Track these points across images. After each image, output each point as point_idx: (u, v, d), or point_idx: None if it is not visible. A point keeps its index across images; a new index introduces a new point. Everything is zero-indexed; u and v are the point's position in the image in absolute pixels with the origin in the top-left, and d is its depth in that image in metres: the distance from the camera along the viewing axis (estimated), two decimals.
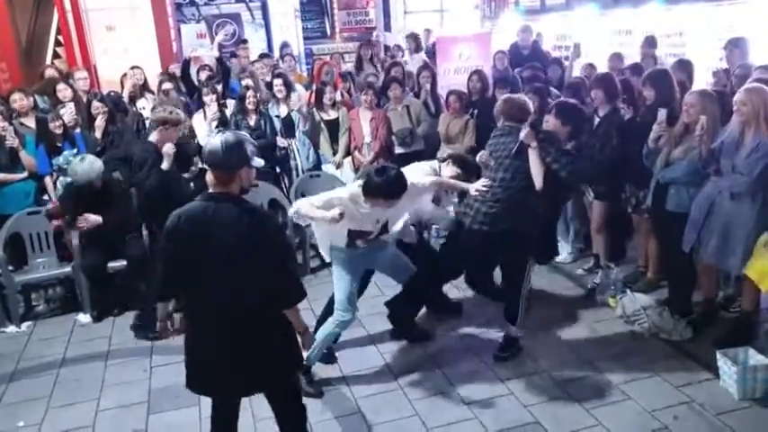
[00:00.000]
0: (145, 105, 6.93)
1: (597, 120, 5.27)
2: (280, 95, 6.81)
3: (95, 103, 6.12)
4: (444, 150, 6.74)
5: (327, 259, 4.24)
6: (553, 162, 4.14)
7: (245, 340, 2.89)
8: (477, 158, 4.43)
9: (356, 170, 6.60)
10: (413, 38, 9.53)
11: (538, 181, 4.13)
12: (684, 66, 6.10)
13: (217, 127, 6.46)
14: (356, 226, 3.99)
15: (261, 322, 2.91)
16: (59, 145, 5.74)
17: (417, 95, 7.41)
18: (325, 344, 4.23)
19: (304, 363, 3.90)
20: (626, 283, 5.17)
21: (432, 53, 9.24)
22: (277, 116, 6.75)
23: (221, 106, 6.66)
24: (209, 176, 3.04)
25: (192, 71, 7.79)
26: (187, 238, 2.84)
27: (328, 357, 4.50)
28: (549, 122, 4.46)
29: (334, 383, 4.30)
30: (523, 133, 4.16)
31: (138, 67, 7.49)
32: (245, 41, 9.92)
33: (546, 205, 4.29)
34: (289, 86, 6.93)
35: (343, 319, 4.16)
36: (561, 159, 4.15)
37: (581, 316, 5.00)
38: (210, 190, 2.96)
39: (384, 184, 3.76)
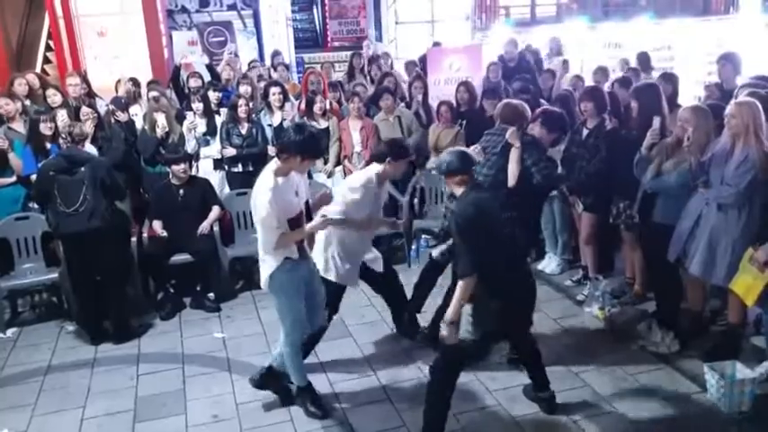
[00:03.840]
0: (137, 112, 6.91)
1: (586, 131, 5.30)
2: (277, 104, 6.80)
3: (84, 109, 6.10)
4: (434, 161, 6.77)
5: (266, 287, 3.86)
6: (532, 165, 4.34)
7: None
8: (470, 151, 4.46)
9: None
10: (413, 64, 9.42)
11: (512, 179, 4.35)
12: (669, 79, 6.15)
13: (205, 135, 6.46)
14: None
15: None
16: (48, 147, 5.70)
17: (409, 106, 7.43)
18: (297, 366, 4.05)
19: (298, 385, 4.07)
20: (614, 295, 5.20)
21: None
22: (269, 125, 6.74)
23: (213, 114, 6.62)
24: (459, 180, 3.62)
25: (183, 78, 7.78)
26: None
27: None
28: (535, 130, 4.57)
29: (321, 393, 4.26)
30: (509, 133, 4.39)
31: (132, 79, 7.49)
32: (254, 62, 9.98)
33: (523, 203, 4.31)
34: (285, 95, 6.94)
35: (292, 338, 3.93)
36: (540, 164, 4.35)
37: (569, 327, 5.01)
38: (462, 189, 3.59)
39: (300, 142, 3.65)
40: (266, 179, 3.69)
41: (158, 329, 5.33)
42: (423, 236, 6.50)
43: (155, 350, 5.01)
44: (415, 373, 4.46)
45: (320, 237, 4.27)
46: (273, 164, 3.74)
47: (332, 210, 4.11)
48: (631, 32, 11.72)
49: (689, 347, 4.50)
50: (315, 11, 15.66)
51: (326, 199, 4.16)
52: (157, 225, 5.63)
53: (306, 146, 3.65)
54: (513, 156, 4.35)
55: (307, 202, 3.94)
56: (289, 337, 3.94)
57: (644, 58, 8.33)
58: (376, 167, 4.33)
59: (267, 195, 3.60)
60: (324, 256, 4.31)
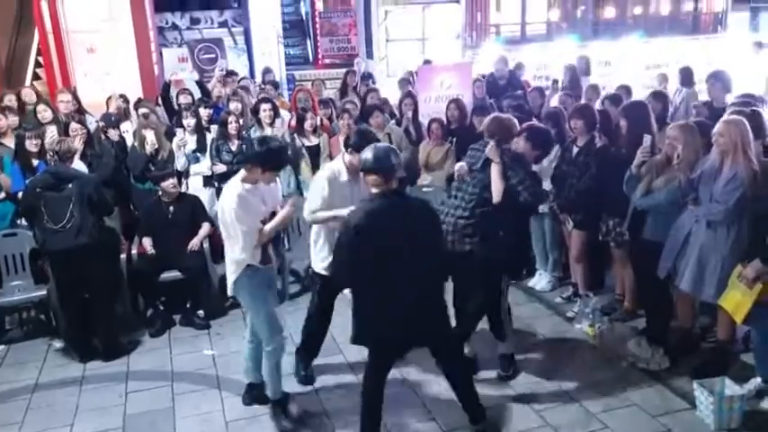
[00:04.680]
0: (128, 129, 6.95)
1: (576, 149, 5.37)
2: (267, 121, 6.85)
3: (73, 125, 6.12)
4: (425, 178, 6.83)
5: (231, 292, 4.05)
6: (518, 184, 4.25)
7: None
8: (456, 171, 4.50)
9: None
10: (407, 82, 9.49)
11: (496, 195, 4.26)
12: (659, 97, 6.26)
13: (194, 152, 6.49)
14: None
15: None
16: (35, 164, 5.72)
17: (399, 123, 7.50)
18: (275, 377, 4.14)
19: (272, 398, 4.11)
20: (604, 312, 5.25)
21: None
22: None
23: (203, 130, 6.66)
24: (372, 180, 3.55)
25: (172, 94, 7.83)
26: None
27: (306, 379, 4.59)
28: (519, 145, 4.51)
29: (312, 411, 4.28)
30: (488, 148, 4.32)
31: (122, 96, 7.52)
32: (233, 73, 10.02)
33: (510, 220, 4.33)
34: (276, 111, 6.99)
35: (274, 347, 4.06)
36: (526, 181, 4.27)
37: (559, 344, 5.05)
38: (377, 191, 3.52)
39: (262, 154, 3.83)
40: (233, 186, 3.91)
41: (147, 347, 5.32)
42: None
43: (144, 368, 5.00)
44: (406, 389, 4.47)
45: (312, 232, 4.45)
46: (241, 173, 3.93)
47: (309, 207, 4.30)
48: (621, 51, 11.92)
49: (679, 364, 4.54)
50: (306, 28, 15.80)
51: (292, 211, 4.12)
52: (147, 242, 5.65)
53: (267, 158, 3.84)
54: (495, 171, 4.27)
55: (274, 213, 4.04)
56: (269, 347, 4.05)
57: (686, 73, 8.33)
58: (342, 159, 4.40)
59: (234, 200, 3.80)
60: (315, 251, 4.45)
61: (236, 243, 3.86)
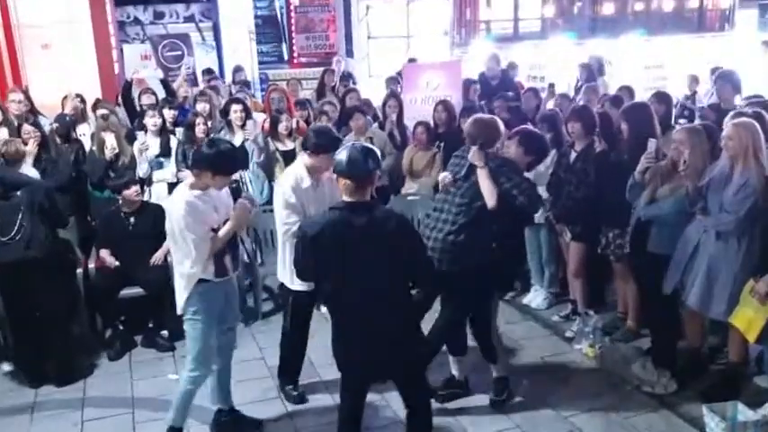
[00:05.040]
0: (85, 131, 6.87)
1: (574, 154, 5.38)
2: (238, 123, 6.80)
3: (26, 127, 6.03)
4: (410, 186, 6.81)
5: (181, 310, 3.97)
6: (513, 187, 4.17)
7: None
8: (440, 181, 4.44)
9: None
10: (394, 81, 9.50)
11: (490, 200, 4.15)
12: (662, 98, 6.27)
13: (158, 157, 6.43)
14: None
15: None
16: None
17: (382, 126, 7.48)
18: (182, 404, 4.07)
19: (170, 424, 4.06)
20: (605, 332, 5.25)
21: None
22: None
23: (168, 133, 6.61)
24: (343, 185, 3.40)
25: (134, 94, 7.78)
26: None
27: (299, 399, 4.63)
28: (511, 150, 4.46)
29: None
30: (471, 152, 4.25)
31: (78, 95, 7.46)
32: (210, 72, 10.02)
33: (505, 230, 4.30)
34: (248, 113, 6.95)
35: (198, 374, 4.02)
36: (522, 184, 4.21)
37: (557, 367, 5.04)
38: (348, 199, 3.36)
39: (212, 157, 3.79)
40: (180, 192, 3.88)
41: (106, 370, 5.23)
42: None
43: (102, 393, 4.92)
44: (391, 416, 4.42)
45: (279, 243, 4.47)
46: (189, 178, 3.89)
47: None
48: (621, 50, 12.02)
49: (687, 387, 4.54)
50: (280, 24, 15.79)
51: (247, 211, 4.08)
52: (105, 254, 5.57)
53: (217, 162, 3.81)
54: (482, 175, 4.17)
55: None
56: (193, 372, 4.00)
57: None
58: (302, 163, 4.40)
59: (182, 207, 3.76)
60: (282, 264, 4.45)
61: (187, 255, 3.80)
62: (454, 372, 4.65)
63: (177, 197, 3.87)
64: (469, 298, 4.34)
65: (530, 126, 5.22)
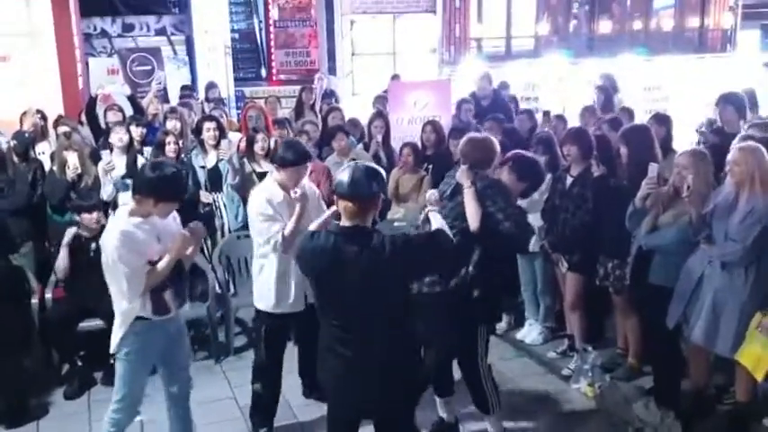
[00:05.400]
0: (45, 150, 6.82)
1: (570, 179, 5.40)
2: (211, 142, 6.78)
3: None
4: (396, 210, 6.79)
5: (113, 349, 3.89)
6: (498, 211, 4.16)
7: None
8: (427, 199, 4.37)
9: None
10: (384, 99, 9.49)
11: (473, 222, 4.15)
12: (662, 121, 6.36)
13: (124, 177, 6.38)
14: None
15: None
16: None
17: (367, 147, 7.49)
18: None
19: None
20: (605, 369, 5.23)
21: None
22: (202, 167, 6.70)
23: (135, 153, 6.57)
24: (344, 208, 3.31)
25: (100, 111, 7.74)
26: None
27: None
28: (503, 176, 4.47)
29: None
30: (459, 172, 4.27)
31: (39, 112, 7.42)
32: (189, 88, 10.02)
33: (490, 255, 4.25)
34: (222, 131, 6.92)
35: (119, 417, 3.94)
36: (507, 209, 4.19)
37: (554, 407, 5.01)
38: (346, 223, 3.28)
39: (154, 181, 3.72)
40: (117, 220, 3.80)
41: (62, 410, 5.14)
42: None
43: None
44: None
45: (254, 262, 4.48)
46: (129, 204, 3.81)
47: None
48: (619, 69, 12.16)
49: (692, 429, 4.52)
50: (258, 38, 15.87)
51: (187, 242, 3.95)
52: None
53: (161, 187, 3.72)
54: (467, 195, 4.18)
55: None
56: (116, 414, 3.93)
57: (751, 97, 8.18)
58: (273, 179, 4.43)
59: (116, 238, 3.67)
60: (258, 284, 4.48)
61: (121, 290, 3.73)
62: (442, 414, 4.59)
63: (113, 226, 3.77)
64: (451, 328, 4.26)
65: (523, 151, 5.18)
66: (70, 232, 5.53)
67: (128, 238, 3.67)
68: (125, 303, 3.75)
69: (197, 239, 4.03)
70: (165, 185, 3.73)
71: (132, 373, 3.88)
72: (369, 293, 3.24)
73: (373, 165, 3.55)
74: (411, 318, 3.49)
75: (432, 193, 4.36)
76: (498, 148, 4.54)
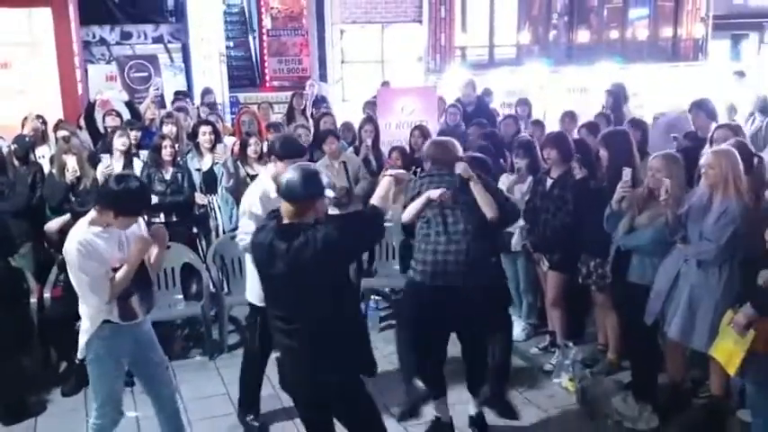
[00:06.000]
0: (45, 153, 6.73)
1: (550, 182, 5.37)
2: (207, 145, 6.71)
3: None
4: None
5: (80, 354, 3.86)
6: (498, 193, 4.25)
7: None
8: (437, 197, 4.23)
9: None
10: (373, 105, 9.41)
11: (490, 210, 4.12)
12: (638, 125, 6.37)
13: None
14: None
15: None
16: None
17: (357, 151, 7.44)
18: None
19: None
20: (585, 364, 5.21)
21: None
22: (198, 169, 6.64)
23: (131, 156, 6.49)
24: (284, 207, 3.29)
25: (98, 116, 7.65)
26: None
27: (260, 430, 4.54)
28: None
29: None
30: (460, 168, 4.20)
31: (39, 117, 7.33)
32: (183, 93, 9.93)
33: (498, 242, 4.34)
34: (218, 135, 6.86)
35: (99, 423, 3.87)
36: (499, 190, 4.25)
37: (536, 401, 4.97)
38: (285, 220, 3.27)
39: (115, 194, 3.62)
40: (78, 230, 3.67)
41: (59, 407, 5.05)
42: (372, 297, 6.41)
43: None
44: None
45: (248, 259, 4.39)
46: (91, 213, 3.69)
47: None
48: (597, 77, 12.21)
49: (669, 422, 4.51)
50: (252, 46, 15.79)
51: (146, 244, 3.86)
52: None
53: (122, 201, 3.61)
54: (477, 188, 4.13)
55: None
56: (97, 420, 3.86)
57: (764, 100, 8.14)
58: (268, 173, 4.37)
59: (75, 247, 3.58)
60: (250, 277, 4.40)
61: (84, 297, 3.66)
62: (438, 414, 4.49)
63: (73, 236, 3.65)
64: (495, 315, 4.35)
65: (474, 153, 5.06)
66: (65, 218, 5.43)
67: (86, 247, 3.57)
68: (91, 309, 3.67)
69: (160, 242, 3.92)
70: (127, 199, 3.62)
71: (104, 377, 3.80)
72: (296, 288, 3.24)
73: (314, 169, 3.46)
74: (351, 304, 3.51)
75: (443, 192, 4.20)
76: (459, 149, 4.46)
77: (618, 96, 8.85)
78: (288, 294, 3.27)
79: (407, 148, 7.02)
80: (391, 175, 3.55)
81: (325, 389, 3.36)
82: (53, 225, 5.50)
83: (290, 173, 3.29)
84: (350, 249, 3.46)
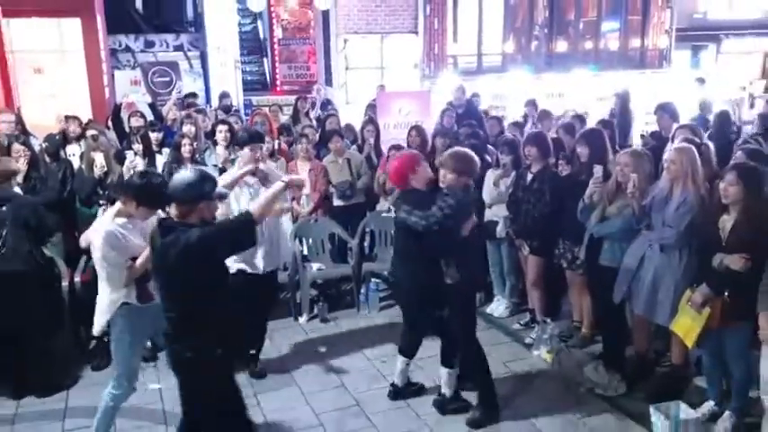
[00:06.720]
0: (75, 152, 6.73)
1: (530, 176, 5.39)
2: (223, 143, 6.71)
3: (16, 146, 5.84)
4: (384, 203, 6.75)
5: (98, 330, 3.89)
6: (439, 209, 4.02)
7: None
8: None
9: (295, 221, 6.51)
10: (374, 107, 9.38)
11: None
12: (607, 125, 6.47)
13: None
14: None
15: None
16: None
17: (360, 149, 7.47)
18: (106, 420, 3.93)
19: None
20: (562, 338, 5.24)
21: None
22: (214, 165, 6.64)
23: (153, 154, 6.50)
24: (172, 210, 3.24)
25: (124, 117, 7.66)
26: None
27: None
28: (447, 177, 4.20)
29: None
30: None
31: (77, 118, 7.33)
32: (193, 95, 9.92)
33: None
34: (233, 134, 6.87)
35: (121, 392, 3.89)
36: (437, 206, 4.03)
37: (517, 371, 5.00)
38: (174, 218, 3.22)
39: (138, 187, 3.67)
40: (104, 221, 3.75)
41: (89, 381, 5.01)
42: (372, 280, 6.44)
43: (84, 403, 4.65)
44: (365, 423, 4.34)
45: None
46: (117, 205, 3.75)
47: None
48: (573, 83, 12.25)
49: (635, 389, 4.55)
50: (264, 53, 15.75)
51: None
52: None
53: (143, 193, 3.66)
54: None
55: None
56: (116, 390, 3.87)
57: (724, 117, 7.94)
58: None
59: (101, 237, 3.63)
60: None
61: (105, 281, 3.70)
62: (444, 390, 4.45)
63: (100, 226, 3.72)
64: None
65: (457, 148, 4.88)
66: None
67: (110, 237, 3.63)
68: (111, 292, 3.71)
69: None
70: (147, 193, 3.66)
71: (125, 351, 3.82)
72: (164, 281, 3.23)
73: (202, 174, 3.32)
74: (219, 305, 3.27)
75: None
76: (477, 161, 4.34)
77: (624, 99, 8.88)
78: (159, 285, 3.28)
79: (405, 147, 7.01)
80: (284, 182, 3.49)
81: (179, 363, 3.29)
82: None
83: (179, 174, 3.28)
84: (209, 253, 3.18)
